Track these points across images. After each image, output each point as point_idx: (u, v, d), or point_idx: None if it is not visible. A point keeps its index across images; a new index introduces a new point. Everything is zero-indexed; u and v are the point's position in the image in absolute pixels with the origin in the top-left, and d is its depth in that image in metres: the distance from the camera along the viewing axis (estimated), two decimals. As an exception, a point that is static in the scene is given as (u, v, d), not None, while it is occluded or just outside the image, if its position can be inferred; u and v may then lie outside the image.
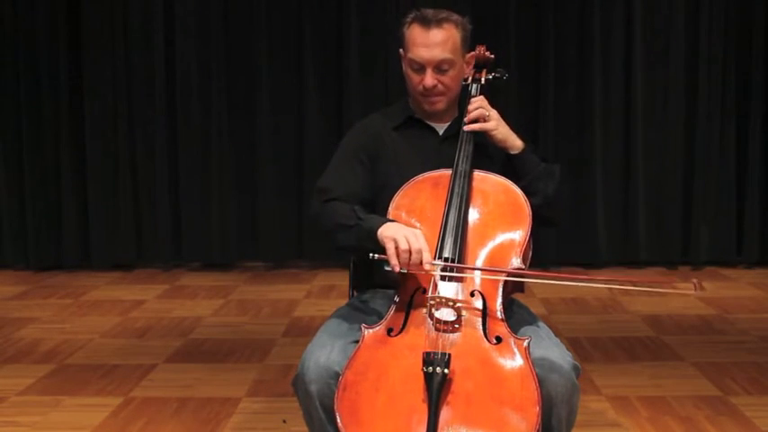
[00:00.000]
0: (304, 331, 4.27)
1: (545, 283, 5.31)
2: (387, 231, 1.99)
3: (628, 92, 5.89)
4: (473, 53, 2.37)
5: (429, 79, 2.25)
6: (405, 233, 1.98)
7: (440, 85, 2.27)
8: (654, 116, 5.91)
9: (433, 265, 1.98)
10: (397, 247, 1.95)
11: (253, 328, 4.49)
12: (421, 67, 2.25)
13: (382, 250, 1.99)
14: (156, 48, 5.93)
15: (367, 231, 2.03)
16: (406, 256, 1.95)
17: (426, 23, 2.24)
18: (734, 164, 5.90)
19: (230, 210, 6.01)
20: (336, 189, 2.23)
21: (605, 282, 2.03)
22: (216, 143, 5.98)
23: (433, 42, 2.23)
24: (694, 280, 1.92)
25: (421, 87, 2.27)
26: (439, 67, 2.24)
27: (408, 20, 2.28)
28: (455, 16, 2.28)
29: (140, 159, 6.02)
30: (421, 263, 1.95)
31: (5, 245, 6.09)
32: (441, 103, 2.31)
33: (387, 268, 1.97)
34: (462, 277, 2.03)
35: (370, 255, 1.98)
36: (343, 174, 2.29)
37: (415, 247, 1.95)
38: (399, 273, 1.96)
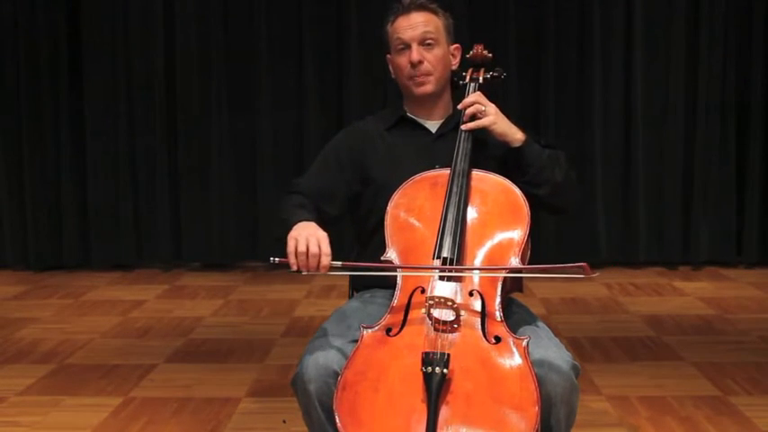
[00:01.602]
0: (304, 331, 4.27)
1: (545, 284, 5.34)
2: (294, 231, 2.02)
3: (628, 92, 5.89)
4: (458, 45, 2.39)
5: (415, 54, 2.27)
6: (307, 235, 1.98)
7: (426, 63, 2.29)
8: (654, 116, 5.90)
9: (333, 267, 1.98)
10: (296, 247, 1.97)
11: (253, 328, 4.49)
12: (406, 46, 2.29)
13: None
14: (156, 48, 5.93)
15: (287, 227, 2.06)
16: (303, 258, 1.96)
17: (406, 10, 2.31)
18: (734, 164, 5.89)
19: (230, 210, 6.01)
20: (303, 183, 2.32)
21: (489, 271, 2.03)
22: (216, 143, 5.98)
23: (415, 22, 2.29)
24: (584, 264, 1.90)
25: (408, 67, 2.29)
26: (423, 42, 2.28)
27: (390, 18, 2.34)
28: (435, 5, 2.34)
29: (140, 159, 6.02)
30: (318, 266, 1.96)
31: (5, 245, 6.09)
32: (429, 85, 2.32)
33: (288, 272, 2.00)
34: (461, 277, 2.03)
35: (270, 259, 2.00)
36: (314, 171, 2.37)
37: (312, 250, 1.95)
38: (297, 272, 1.99)
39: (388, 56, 2.36)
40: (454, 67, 2.39)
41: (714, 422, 3.04)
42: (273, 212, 2.30)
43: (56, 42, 5.90)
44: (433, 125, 2.38)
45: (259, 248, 6.03)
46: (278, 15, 5.92)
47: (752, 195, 5.89)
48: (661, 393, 3.34)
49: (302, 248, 1.96)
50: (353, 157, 2.36)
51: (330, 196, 2.31)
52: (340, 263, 1.98)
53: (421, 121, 2.39)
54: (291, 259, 1.97)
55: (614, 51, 5.88)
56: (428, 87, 2.32)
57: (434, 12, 2.33)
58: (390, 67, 2.38)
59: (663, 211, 5.92)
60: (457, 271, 2.02)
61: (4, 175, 6.05)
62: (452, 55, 2.37)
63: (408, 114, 2.39)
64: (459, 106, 2.28)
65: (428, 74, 2.30)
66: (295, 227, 2.04)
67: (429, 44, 2.29)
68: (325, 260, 1.96)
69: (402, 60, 2.31)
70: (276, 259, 1.99)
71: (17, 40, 5.92)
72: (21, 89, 5.95)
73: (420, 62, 2.28)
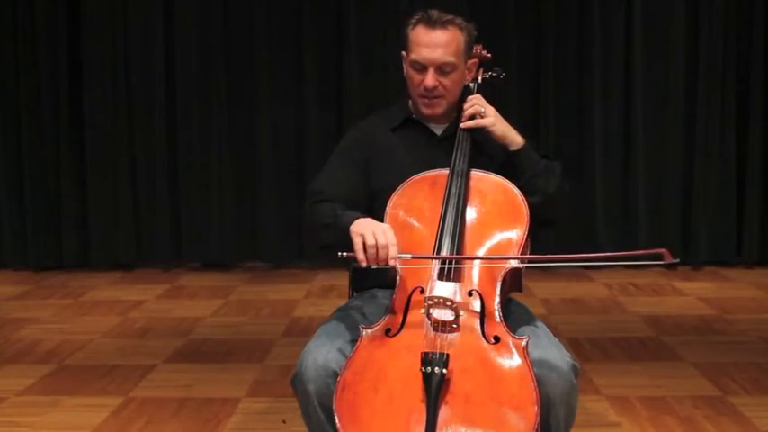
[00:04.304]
0: (304, 331, 4.26)
1: (546, 284, 5.34)
2: (356, 227, 2.00)
3: (628, 92, 5.89)
4: (476, 60, 2.37)
5: (430, 80, 2.24)
6: (373, 228, 1.98)
7: (440, 87, 2.26)
8: (654, 116, 5.90)
9: (401, 258, 1.98)
10: (364, 243, 1.96)
11: (253, 328, 4.49)
12: (423, 68, 2.25)
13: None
14: (156, 48, 5.93)
15: (342, 228, 2.04)
16: (373, 251, 1.96)
17: (431, 24, 2.24)
18: (734, 164, 5.89)
19: (230, 209, 6.01)
20: (326, 191, 2.24)
21: (576, 260, 2.00)
22: (216, 143, 5.98)
23: (436, 43, 2.23)
24: (664, 249, 1.86)
25: (421, 88, 2.26)
26: (441, 69, 2.24)
27: (413, 21, 2.28)
28: (460, 20, 2.28)
29: (140, 159, 6.02)
30: (387, 258, 1.96)
31: (5, 245, 6.08)
32: (439, 107, 2.30)
33: (355, 265, 1.99)
34: (460, 276, 2.03)
35: (339, 254, 1.99)
36: (334, 175, 2.31)
37: (381, 242, 1.95)
38: (367, 268, 1.97)
39: (404, 53, 2.32)
40: (467, 82, 2.36)
41: (714, 422, 3.04)
42: (308, 225, 2.24)
43: (55, 42, 5.90)
44: (438, 128, 2.37)
45: (259, 248, 6.04)
46: (278, 15, 5.91)
47: (752, 195, 5.89)
48: (661, 393, 3.34)
49: (371, 241, 1.95)
50: (364, 156, 2.34)
51: (355, 199, 2.26)
52: (410, 255, 1.99)
53: (426, 123, 2.38)
54: (360, 255, 1.96)
55: (614, 51, 5.88)
56: (438, 110, 2.31)
57: (459, 27, 2.26)
58: (404, 65, 2.34)
59: (663, 211, 5.92)
60: (532, 261, 2.04)
61: (3, 175, 6.04)
62: (468, 69, 2.33)
63: (414, 116, 2.38)
64: (462, 117, 2.27)
65: (440, 97, 2.28)
66: (354, 225, 2.02)
67: (446, 69, 2.25)
68: (393, 250, 1.96)
69: (416, 78, 2.27)
70: (344, 254, 1.98)
71: (16, 40, 5.92)
72: (20, 89, 5.95)
73: (435, 87, 2.26)
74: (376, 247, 1.95)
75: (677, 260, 1.88)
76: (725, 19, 5.81)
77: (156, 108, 5.96)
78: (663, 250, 1.86)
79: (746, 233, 5.91)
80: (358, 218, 2.05)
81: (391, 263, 1.96)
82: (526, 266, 2.11)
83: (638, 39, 5.84)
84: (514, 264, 2.05)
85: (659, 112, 5.91)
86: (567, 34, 5.89)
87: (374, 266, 1.97)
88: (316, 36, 5.92)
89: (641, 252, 1.93)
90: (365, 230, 1.98)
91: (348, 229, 2.02)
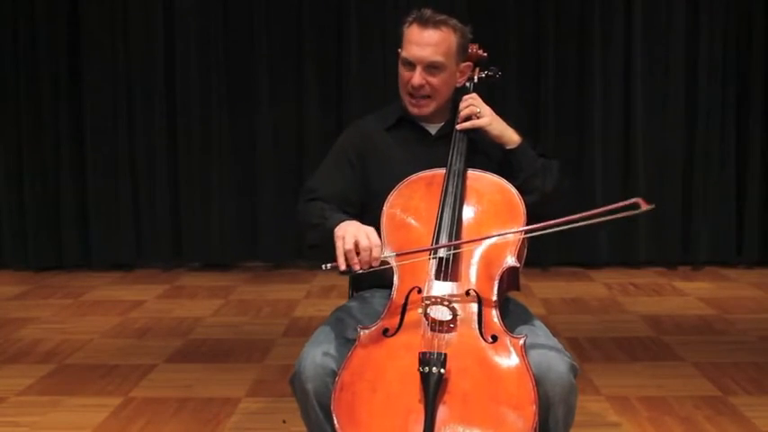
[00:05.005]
0: (304, 331, 4.26)
1: (545, 284, 5.34)
2: (338, 231, 2.00)
3: (628, 92, 5.88)
4: (470, 63, 2.36)
5: (417, 78, 2.24)
6: (354, 232, 1.97)
7: (427, 86, 2.26)
8: (654, 116, 5.90)
9: (385, 258, 1.97)
10: (344, 246, 1.95)
11: (253, 328, 4.49)
12: (412, 66, 2.26)
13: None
14: (156, 48, 5.93)
15: (328, 231, 2.04)
16: (352, 255, 1.94)
17: (424, 23, 2.24)
18: (734, 164, 5.89)
19: (230, 210, 6.01)
20: (320, 189, 2.26)
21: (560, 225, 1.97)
22: (216, 143, 5.98)
23: (426, 42, 2.23)
24: (638, 199, 1.87)
25: (409, 86, 2.27)
26: (429, 68, 2.24)
27: (409, 19, 2.29)
28: (454, 21, 2.28)
29: (140, 159, 6.02)
30: (370, 260, 1.94)
31: (5, 245, 6.09)
32: (426, 108, 2.30)
33: (337, 274, 1.96)
34: (458, 276, 2.03)
35: (322, 266, 1.97)
36: (329, 174, 2.31)
37: (363, 244, 1.94)
38: (345, 272, 1.95)
39: (399, 51, 2.31)
40: (459, 85, 2.35)
41: (714, 422, 3.04)
42: (300, 222, 2.24)
43: (55, 42, 5.90)
44: (432, 127, 2.37)
45: (259, 248, 6.04)
46: (278, 15, 5.92)
47: (752, 195, 5.89)
48: (661, 393, 3.34)
49: (349, 246, 1.94)
50: (359, 156, 2.34)
51: (348, 198, 2.26)
52: (394, 253, 1.97)
53: (421, 123, 2.38)
54: (340, 260, 1.94)
55: (614, 51, 5.87)
56: (424, 110, 2.31)
57: (452, 29, 2.26)
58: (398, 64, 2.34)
59: (663, 211, 5.90)
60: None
61: (3, 175, 6.05)
62: (460, 72, 2.33)
63: (409, 116, 2.37)
64: (457, 118, 2.27)
65: (427, 97, 2.28)
66: (337, 228, 2.01)
67: (435, 69, 2.24)
68: (377, 251, 1.94)
69: (405, 75, 2.28)
70: (328, 265, 1.96)
71: (16, 40, 5.92)
72: (20, 88, 5.95)
73: (421, 86, 2.26)
74: (357, 250, 1.94)
75: (653, 206, 1.86)
76: (725, 19, 5.81)
77: (156, 108, 5.96)
78: (637, 199, 1.86)
79: (746, 233, 5.90)
80: (343, 220, 2.05)
81: (374, 264, 1.96)
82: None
83: (638, 39, 5.84)
84: (511, 262, 2.05)
85: (659, 111, 5.91)
86: (567, 34, 5.89)
87: (358, 270, 1.95)
88: (316, 36, 5.92)
89: (617, 206, 1.92)
90: (346, 234, 1.97)
91: (332, 231, 2.01)
